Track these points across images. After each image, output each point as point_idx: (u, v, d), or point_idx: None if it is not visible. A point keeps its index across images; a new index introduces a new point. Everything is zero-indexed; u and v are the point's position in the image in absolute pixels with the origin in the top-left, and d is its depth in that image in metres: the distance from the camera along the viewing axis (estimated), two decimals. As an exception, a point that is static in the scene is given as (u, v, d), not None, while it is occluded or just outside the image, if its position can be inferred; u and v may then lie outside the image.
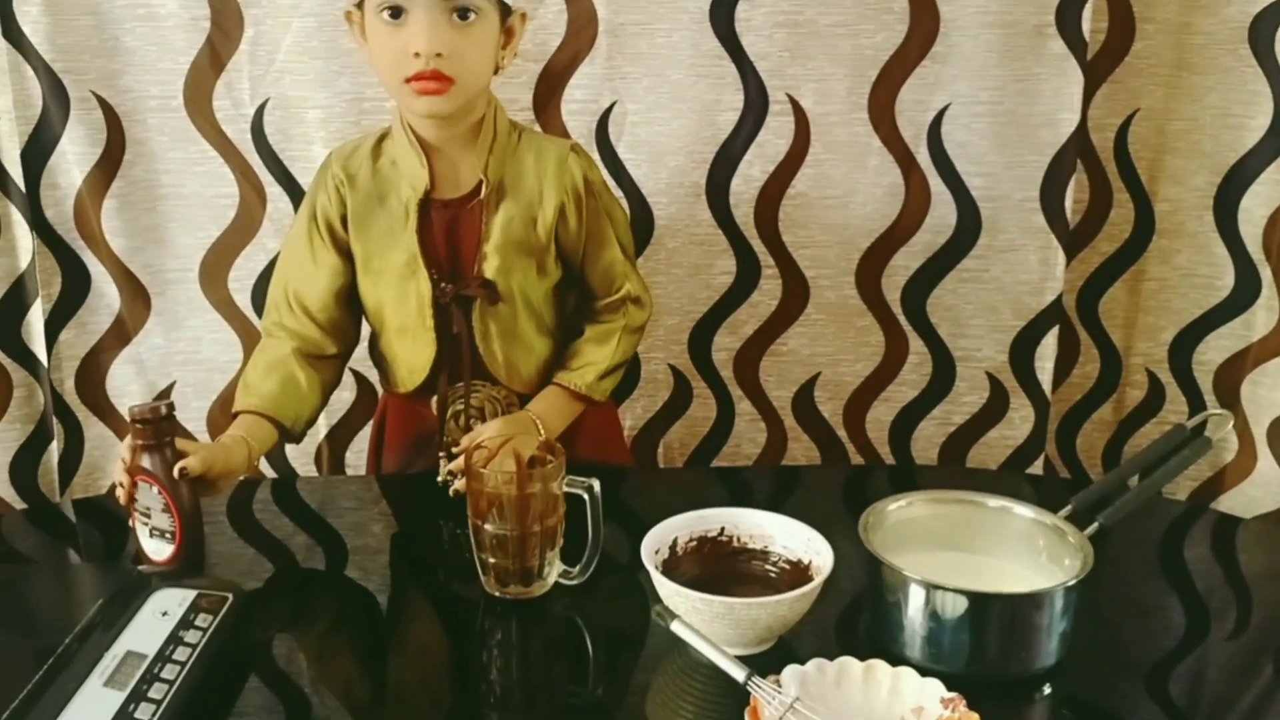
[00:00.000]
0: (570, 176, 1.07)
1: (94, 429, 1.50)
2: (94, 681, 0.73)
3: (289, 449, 1.52)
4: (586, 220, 1.09)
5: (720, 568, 0.90)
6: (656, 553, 0.88)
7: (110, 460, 1.51)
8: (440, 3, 0.94)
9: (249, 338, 1.47)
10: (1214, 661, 0.88)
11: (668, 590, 0.83)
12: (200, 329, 1.46)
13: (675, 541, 0.90)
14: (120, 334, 1.46)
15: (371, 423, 1.26)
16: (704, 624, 0.81)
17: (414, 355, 1.09)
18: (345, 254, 1.08)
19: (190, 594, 0.82)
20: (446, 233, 1.05)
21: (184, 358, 1.48)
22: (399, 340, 1.09)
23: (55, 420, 1.46)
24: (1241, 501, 1.49)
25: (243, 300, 1.46)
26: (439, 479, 1.06)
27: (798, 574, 0.88)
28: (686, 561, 0.90)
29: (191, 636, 0.78)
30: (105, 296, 1.44)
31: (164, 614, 0.80)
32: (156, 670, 0.74)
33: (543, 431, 1.06)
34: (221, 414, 1.50)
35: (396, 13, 0.95)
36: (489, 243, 1.05)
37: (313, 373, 1.09)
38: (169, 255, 1.43)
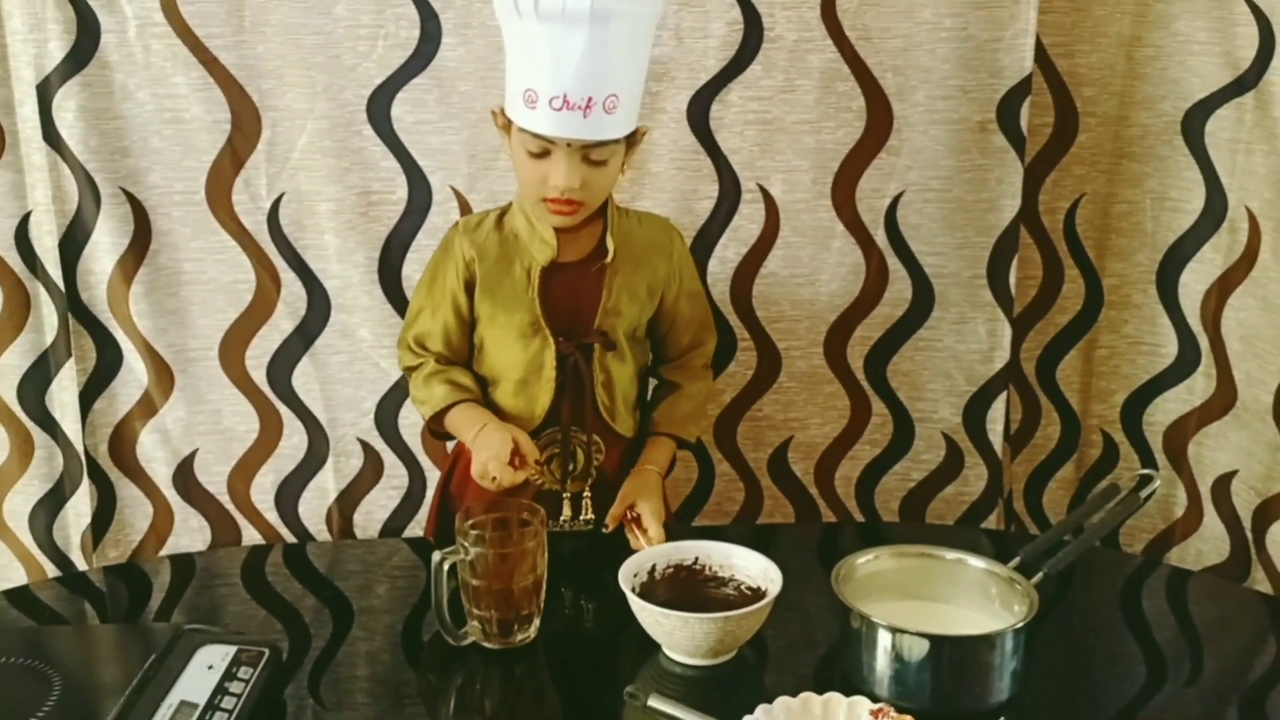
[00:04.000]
0: (675, 247, 1.24)
1: (125, 490, 1.58)
2: (154, 728, 0.80)
3: (303, 509, 1.60)
4: (686, 284, 1.24)
5: (691, 592, 1.03)
6: (635, 575, 1.00)
7: (140, 519, 1.59)
8: (577, 151, 1.07)
9: (264, 410, 1.55)
10: (1157, 694, 0.98)
11: (637, 606, 0.95)
12: (220, 402, 1.54)
13: (654, 568, 1.03)
14: (148, 405, 1.54)
15: (434, 485, 1.32)
16: (667, 636, 0.95)
17: (531, 404, 1.19)
18: (462, 313, 1.19)
19: (231, 649, 0.90)
20: (569, 292, 1.17)
21: (205, 428, 1.55)
22: (518, 391, 1.19)
23: (89, 481, 1.53)
24: (1192, 554, 1.56)
25: (258, 376, 1.53)
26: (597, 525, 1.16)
27: (755, 598, 0.99)
28: (662, 586, 1.02)
29: (235, 687, 0.86)
30: (134, 371, 1.52)
31: (210, 667, 0.88)
32: (208, 717, 0.82)
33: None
34: (239, 478, 1.58)
35: (541, 154, 1.08)
36: (610, 301, 1.17)
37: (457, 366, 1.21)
38: (191, 335, 1.51)
